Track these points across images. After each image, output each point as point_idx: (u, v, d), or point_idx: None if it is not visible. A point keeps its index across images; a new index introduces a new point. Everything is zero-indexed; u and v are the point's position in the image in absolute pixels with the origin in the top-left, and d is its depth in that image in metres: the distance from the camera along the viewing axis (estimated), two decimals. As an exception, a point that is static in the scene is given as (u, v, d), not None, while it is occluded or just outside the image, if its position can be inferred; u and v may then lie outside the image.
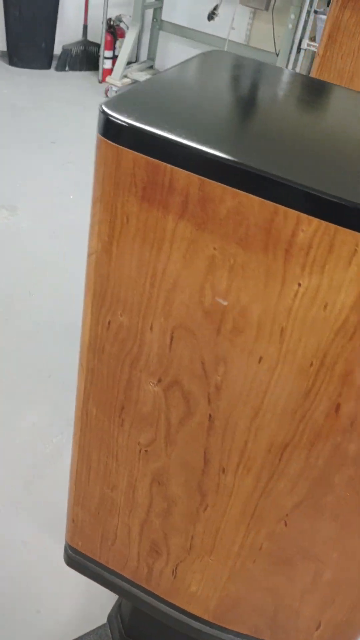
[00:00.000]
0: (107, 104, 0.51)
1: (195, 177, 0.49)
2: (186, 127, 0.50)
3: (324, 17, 3.04)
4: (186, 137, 0.48)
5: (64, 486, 0.88)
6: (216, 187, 0.48)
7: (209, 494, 0.70)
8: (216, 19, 3.50)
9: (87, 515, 0.85)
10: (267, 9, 3.50)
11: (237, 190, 0.47)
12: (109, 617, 1.21)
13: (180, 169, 0.49)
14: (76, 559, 0.93)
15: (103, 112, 0.50)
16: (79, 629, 1.27)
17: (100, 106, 0.51)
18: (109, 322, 0.62)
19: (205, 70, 0.68)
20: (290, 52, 3.34)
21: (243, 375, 0.57)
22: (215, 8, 3.44)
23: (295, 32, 3.26)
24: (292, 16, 3.23)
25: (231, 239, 0.50)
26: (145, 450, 0.71)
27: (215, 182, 0.48)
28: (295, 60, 3.35)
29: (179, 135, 0.48)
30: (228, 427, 0.62)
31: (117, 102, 0.52)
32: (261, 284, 0.51)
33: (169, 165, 0.49)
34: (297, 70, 3.39)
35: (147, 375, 0.64)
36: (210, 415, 0.63)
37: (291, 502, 0.65)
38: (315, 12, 3.14)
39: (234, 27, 3.60)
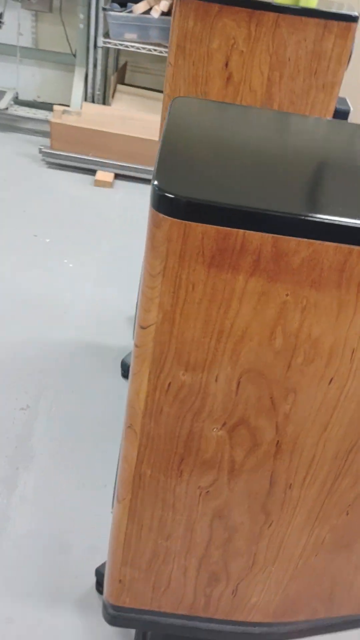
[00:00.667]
0: (160, 181, 0.51)
1: (268, 236, 0.51)
2: (247, 190, 0.52)
3: (113, 13, 3.09)
4: (257, 202, 0.50)
5: None
6: (290, 242, 0.51)
7: (274, 512, 0.74)
8: (2, 26, 3.37)
9: (137, 571, 0.84)
10: (50, 10, 3.46)
11: (313, 240, 0.51)
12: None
13: (252, 232, 0.51)
14: (122, 617, 0.92)
15: (161, 189, 0.50)
16: None
17: (156, 185, 0.50)
18: (169, 384, 0.62)
19: (204, 122, 0.69)
20: (87, 51, 3.35)
21: (313, 398, 0.62)
22: (1, 16, 3.30)
23: (88, 31, 3.27)
24: (82, 16, 3.24)
25: (304, 283, 0.54)
26: (207, 492, 0.72)
27: (289, 237, 0.51)
28: (95, 58, 3.37)
29: (250, 202, 0.50)
30: (296, 448, 0.67)
31: (167, 177, 0.52)
32: (333, 317, 0.56)
33: (241, 230, 0.51)
34: (99, 67, 3.42)
35: (210, 423, 0.65)
36: (277, 442, 0.66)
37: (354, 494, 0.72)
38: (104, 9, 3.17)
39: (22, 32, 3.50)
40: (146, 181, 3.23)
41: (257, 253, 0.52)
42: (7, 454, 1.71)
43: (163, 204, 0.50)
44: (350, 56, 1.44)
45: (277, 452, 0.67)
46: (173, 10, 1.42)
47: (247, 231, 0.51)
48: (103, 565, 1.42)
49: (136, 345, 0.61)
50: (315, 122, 0.88)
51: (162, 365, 0.60)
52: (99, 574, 1.41)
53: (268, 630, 0.92)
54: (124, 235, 2.77)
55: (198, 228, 0.51)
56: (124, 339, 2.19)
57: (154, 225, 0.52)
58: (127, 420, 0.68)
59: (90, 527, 1.55)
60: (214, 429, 0.65)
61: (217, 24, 1.39)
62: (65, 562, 1.47)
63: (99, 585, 1.41)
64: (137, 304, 0.82)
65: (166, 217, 0.50)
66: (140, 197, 3.09)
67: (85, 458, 1.73)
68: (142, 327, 0.59)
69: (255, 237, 0.51)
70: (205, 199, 0.50)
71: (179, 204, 0.50)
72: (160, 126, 1.55)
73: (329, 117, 1.54)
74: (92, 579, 1.44)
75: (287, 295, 0.54)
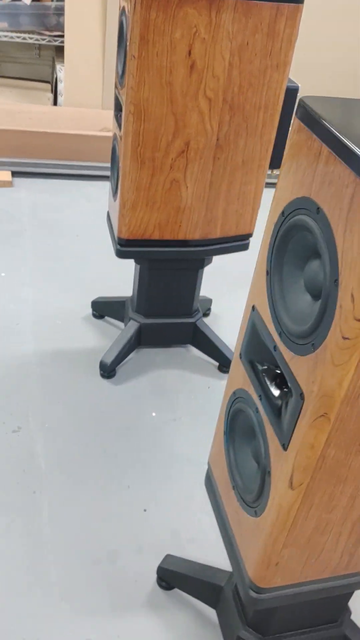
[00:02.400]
0: None
1: None
2: None
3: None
4: None
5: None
6: None
7: None
8: None
9: (295, 550, 0.88)
10: None
11: None
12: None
13: None
14: (268, 598, 0.96)
15: None
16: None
17: None
18: (372, 370, 0.67)
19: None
20: None
21: None
22: None
23: None
24: None
25: None
26: (378, 459, 0.79)
27: None
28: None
29: None
30: None
31: None
32: None
33: None
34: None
35: None
36: None
37: None
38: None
39: None
40: (48, 175, 3.12)
41: None
42: (18, 481, 1.64)
43: None
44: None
45: None
46: (132, 2, 1.40)
47: None
48: (164, 560, 1.43)
49: (346, 338, 0.65)
50: None
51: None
52: (161, 570, 1.43)
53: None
54: (41, 234, 2.68)
55: None
56: (88, 340, 2.15)
57: None
58: (317, 410, 0.71)
59: (128, 529, 1.56)
60: None
61: (179, 13, 1.40)
62: (119, 570, 1.47)
63: (162, 581, 1.43)
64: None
65: None
66: (45, 193, 2.98)
67: (97, 464, 1.71)
68: (357, 320, 0.63)
69: None
70: None
71: None
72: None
73: (282, 95, 1.62)
74: (151, 579, 1.46)
75: None
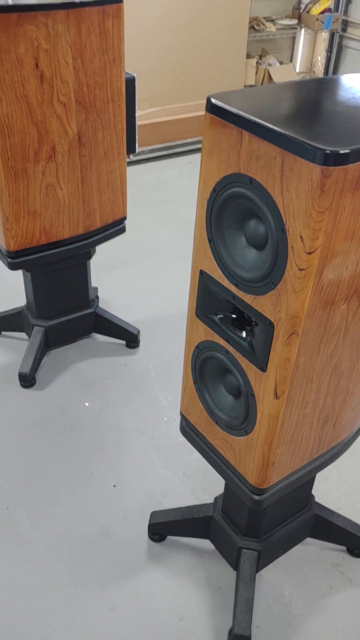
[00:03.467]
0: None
1: None
2: None
3: None
4: None
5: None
6: None
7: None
8: None
9: (284, 447, 1.11)
10: None
11: None
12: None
13: None
14: (269, 496, 1.18)
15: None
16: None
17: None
18: (322, 288, 0.89)
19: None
20: None
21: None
22: None
23: None
24: None
25: None
26: (330, 356, 1.03)
27: None
28: None
29: None
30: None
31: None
32: None
33: None
34: None
35: (340, 303, 0.95)
36: (368, 295, 1.00)
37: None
38: None
39: None
40: None
41: None
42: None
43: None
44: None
45: (366, 302, 1.01)
46: (-28, 27, 1.46)
47: None
48: (152, 517, 1.61)
49: (302, 269, 0.86)
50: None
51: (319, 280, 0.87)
52: (153, 526, 1.60)
53: (351, 440, 1.30)
54: None
55: (351, 169, 0.78)
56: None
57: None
58: (288, 330, 0.93)
59: (108, 505, 1.70)
60: (341, 305, 0.96)
61: (19, 31, 1.50)
62: (115, 541, 1.62)
63: (154, 535, 1.61)
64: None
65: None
66: None
67: (55, 464, 1.82)
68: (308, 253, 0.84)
69: None
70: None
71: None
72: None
73: (124, 86, 1.78)
74: (145, 538, 1.62)
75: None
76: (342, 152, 0.77)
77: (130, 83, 1.83)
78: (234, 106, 0.88)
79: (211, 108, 0.91)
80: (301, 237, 0.84)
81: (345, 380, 1.12)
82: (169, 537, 1.63)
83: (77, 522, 1.66)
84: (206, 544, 1.60)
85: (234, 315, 1.08)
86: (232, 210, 0.95)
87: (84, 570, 1.54)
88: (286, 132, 0.79)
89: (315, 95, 1.00)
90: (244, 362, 1.05)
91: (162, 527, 1.60)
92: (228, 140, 0.90)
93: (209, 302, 1.09)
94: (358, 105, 0.94)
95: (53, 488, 1.74)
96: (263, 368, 1.01)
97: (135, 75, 1.84)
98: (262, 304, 0.96)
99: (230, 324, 1.08)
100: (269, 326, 0.96)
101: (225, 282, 1.02)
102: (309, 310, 0.91)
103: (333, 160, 0.77)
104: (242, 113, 0.85)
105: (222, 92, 0.93)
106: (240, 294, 1.00)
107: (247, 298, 0.98)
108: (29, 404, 2.01)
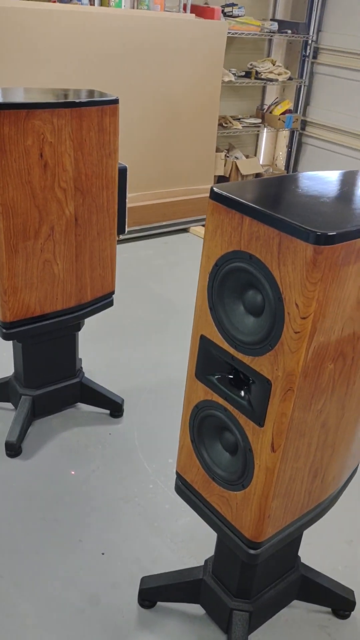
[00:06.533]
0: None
1: None
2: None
3: None
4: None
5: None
6: None
7: (347, 406, 1.20)
8: None
9: (279, 500, 1.20)
10: None
11: None
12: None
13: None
14: (264, 550, 1.25)
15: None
16: None
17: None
18: (315, 349, 1.02)
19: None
20: None
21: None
22: None
23: None
24: None
25: None
26: (320, 411, 1.14)
27: None
28: None
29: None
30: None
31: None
32: None
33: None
34: None
35: (328, 363, 1.08)
36: (352, 358, 1.13)
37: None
38: None
39: None
40: None
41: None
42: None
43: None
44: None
45: (352, 365, 1.14)
46: (-14, 121, 1.62)
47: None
48: (142, 582, 1.63)
49: (297, 332, 0.99)
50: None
51: (311, 342, 1.01)
52: (144, 591, 1.62)
53: (336, 497, 1.39)
54: None
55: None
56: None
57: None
58: (285, 387, 1.04)
59: (96, 573, 1.73)
60: (329, 365, 1.08)
61: (27, 125, 1.68)
62: (104, 608, 1.65)
63: (144, 601, 1.63)
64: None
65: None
66: None
67: (43, 533, 1.84)
68: (303, 318, 0.98)
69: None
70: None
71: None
72: None
73: (117, 175, 1.97)
74: (135, 605, 1.64)
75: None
76: (330, 234, 0.92)
77: (123, 172, 2.01)
78: (236, 195, 1.03)
79: (215, 196, 1.07)
80: (296, 304, 0.98)
81: (332, 436, 1.23)
82: (159, 604, 1.64)
83: (66, 590, 1.66)
84: (196, 609, 1.62)
85: (231, 376, 1.19)
86: (232, 281, 1.09)
87: (74, 639, 1.53)
88: (285, 218, 0.95)
89: (301, 188, 1.18)
90: (242, 419, 1.16)
91: (153, 592, 1.62)
92: (230, 223, 1.05)
93: (208, 364, 1.20)
94: (338, 197, 1.12)
95: (41, 557, 1.75)
96: (260, 423, 1.11)
97: (127, 165, 2.04)
98: (260, 363, 1.08)
99: (228, 384, 1.19)
100: (267, 384, 1.08)
101: (225, 345, 1.14)
102: (303, 368, 1.04)
103: (324, 240, 0.92)
104: (243, 201, 1.01)
105: (221, 183, 1.09)
106: (239, 355, 1.12)
107: (246, 359, 1.10)
108: (15, 473, 2.03)
